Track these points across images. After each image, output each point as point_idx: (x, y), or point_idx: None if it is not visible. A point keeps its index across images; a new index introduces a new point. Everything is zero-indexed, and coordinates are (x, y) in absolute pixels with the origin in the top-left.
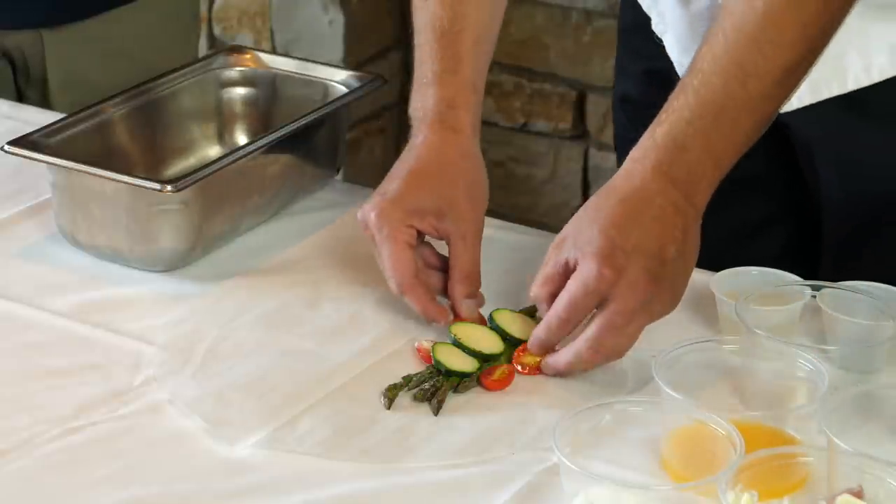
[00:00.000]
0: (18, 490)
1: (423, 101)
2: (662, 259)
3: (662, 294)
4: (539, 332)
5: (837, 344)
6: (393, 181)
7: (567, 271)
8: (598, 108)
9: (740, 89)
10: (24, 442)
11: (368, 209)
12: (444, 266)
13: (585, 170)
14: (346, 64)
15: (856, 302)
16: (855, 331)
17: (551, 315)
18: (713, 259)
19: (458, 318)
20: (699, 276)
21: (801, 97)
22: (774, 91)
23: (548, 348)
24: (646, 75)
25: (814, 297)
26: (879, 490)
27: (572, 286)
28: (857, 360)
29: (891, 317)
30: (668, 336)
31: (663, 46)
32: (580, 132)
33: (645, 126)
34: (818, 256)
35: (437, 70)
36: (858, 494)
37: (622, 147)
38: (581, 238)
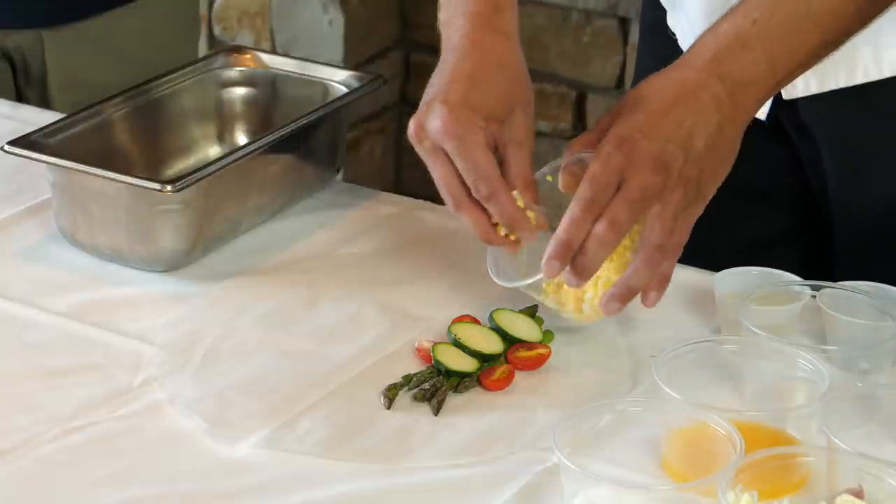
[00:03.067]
0: (18, 490)
1: (464, 6)
2: (686, 148)
3: (682, 185)
4: (562, 227)
5: (837, 344)
6: (451, 85)
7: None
8: (598, 108)
9: (817, 2)
10: (24, 442)
11: (433, 117)
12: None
13: None
14: (346, 64)
15: (856, 302)
16: (855, 331)
17: (573, 204)
18: None
19: (458, 318)
20: (699, 276)
21: (809, 85)
22: (850, 8)
23: (573, 243)
24: None
25: (814, 297)
26: (879, 490)
27: (592, 166)
28: (857, 360)
29: (891, 317)
30: (668, 336)
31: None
32: (580, 132)
33: None
34: (832, 269)
35: None
36: (859, 494)
37: None
38: (618, 118)
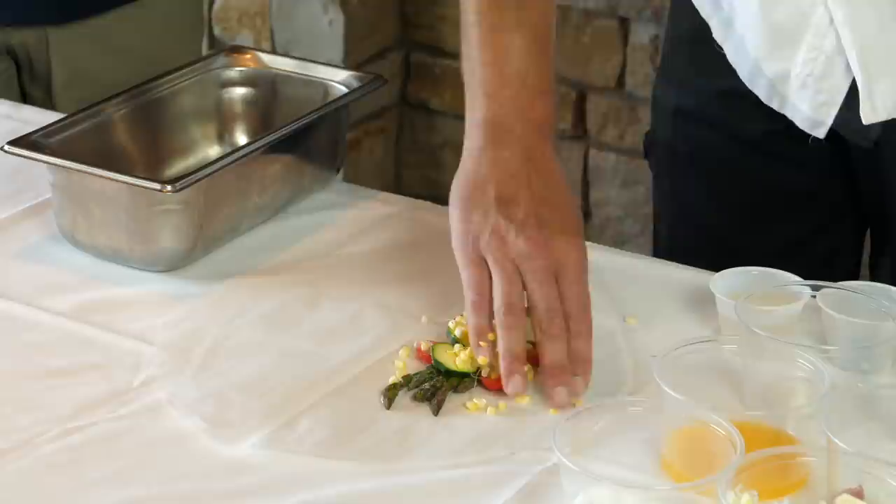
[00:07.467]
0: (18, 490)
1: (543, 108)
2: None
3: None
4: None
5: (837, 344)
6: (541, 209)
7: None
8: (598, 108)
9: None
10: (24, 442)
11: (521, 238)
12: None
13: (585, 170)
14: (346, 64)
15: (856, 302)
16: (855, 331)
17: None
18: None
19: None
20: (699, 276)
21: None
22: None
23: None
24: (715, 92)
25: (814, 297)
26: (879, 490)
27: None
28: (857, 360)
29: (891, 317)
30: (668, 336)
31: (724, 57)
32: (580, 132)
33: (706, 140)
34: (857, 266)
35: (545, 77)
36: (859, 494)
37: (668, 157)
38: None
